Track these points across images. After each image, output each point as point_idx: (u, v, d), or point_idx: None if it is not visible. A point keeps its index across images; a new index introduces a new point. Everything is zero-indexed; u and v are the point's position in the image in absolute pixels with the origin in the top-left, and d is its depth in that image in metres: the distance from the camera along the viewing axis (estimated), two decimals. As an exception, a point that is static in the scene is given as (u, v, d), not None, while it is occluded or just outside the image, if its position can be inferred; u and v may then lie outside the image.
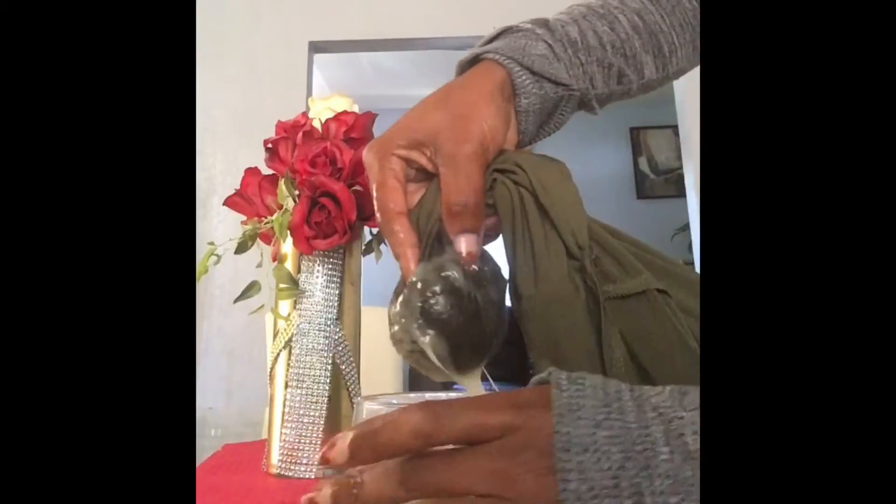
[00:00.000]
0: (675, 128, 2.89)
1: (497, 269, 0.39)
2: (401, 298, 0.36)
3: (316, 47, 2.64)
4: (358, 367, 0.77)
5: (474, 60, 0.47)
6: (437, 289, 0.35)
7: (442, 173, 0.39)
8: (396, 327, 0.36)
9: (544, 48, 0.46)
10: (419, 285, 0.35)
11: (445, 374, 0.36)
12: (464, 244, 0.36)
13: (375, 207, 0.40)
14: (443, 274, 0.35)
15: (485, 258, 0.38)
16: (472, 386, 0.37)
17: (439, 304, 0.34)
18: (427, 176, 0.41)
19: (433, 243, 0.39)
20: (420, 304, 0.35)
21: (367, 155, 0.41)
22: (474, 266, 0.36)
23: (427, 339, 0.34)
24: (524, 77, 0.44)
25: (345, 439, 0.28)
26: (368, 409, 0.33)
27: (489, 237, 0.42)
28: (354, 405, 0.36)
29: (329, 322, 0.74)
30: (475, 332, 0.35)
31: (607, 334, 0.36)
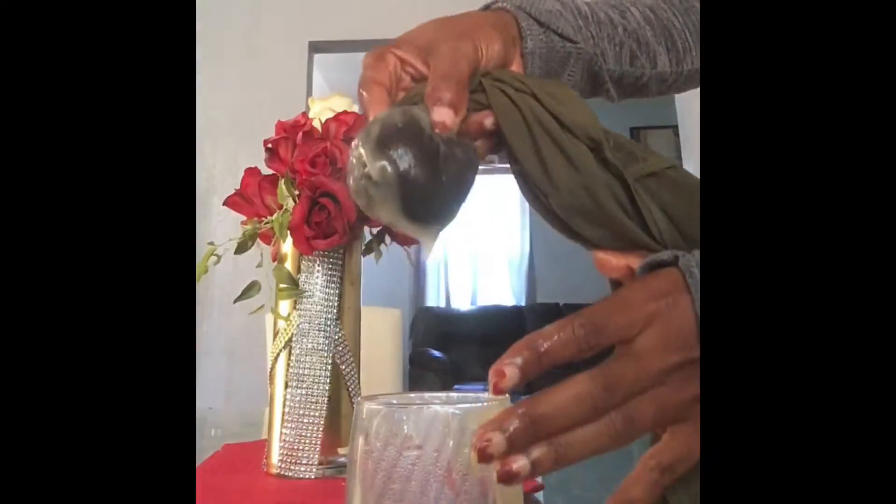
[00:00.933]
0: (675, 128, 2.89)
1: (471, 144, 0.38)
2: (361, 130, 0.36)
3: (316, 47, 2.64)
4: (358, 367, 0.77)
5: (484, 10, 0.47)
6: (399, 123, 0.35)
7: (432, 65, 0.40)
8: (352, 156, 0.35)
9: (553, 3, 0.47)
10: (382, 117, 0.36)
11: (391, 213, 0.36)
12: (438, 113, 0.37)
13: (359, 81, 0.40)
14: (409, 113, 0.35)
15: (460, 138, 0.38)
16: (425, 243, 0.37)
17: (397, 136, 0.34)
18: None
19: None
20: (378, 133, 0.35)
21: (366, 57, 0.42)
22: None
23: (378, 165, 0.34)
24: (531, 23, 0.46)
25: (514, 365, 0.30)
26: (368, 409, 0.33)
27: (483, 139, 0.41)
28: (354, 405, 0.36)
29: (329, 322, 0.74)
30: (429, 178, 0.34)
31: (647, 209, 0.36)
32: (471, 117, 0.39)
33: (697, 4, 0.52)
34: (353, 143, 0.36)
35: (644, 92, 0.52)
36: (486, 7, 0.47)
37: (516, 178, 0.40)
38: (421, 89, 0.39)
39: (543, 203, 0.39)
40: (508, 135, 0.38)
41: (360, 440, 0.33)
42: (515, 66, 0.45)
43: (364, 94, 0.39)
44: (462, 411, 0.32)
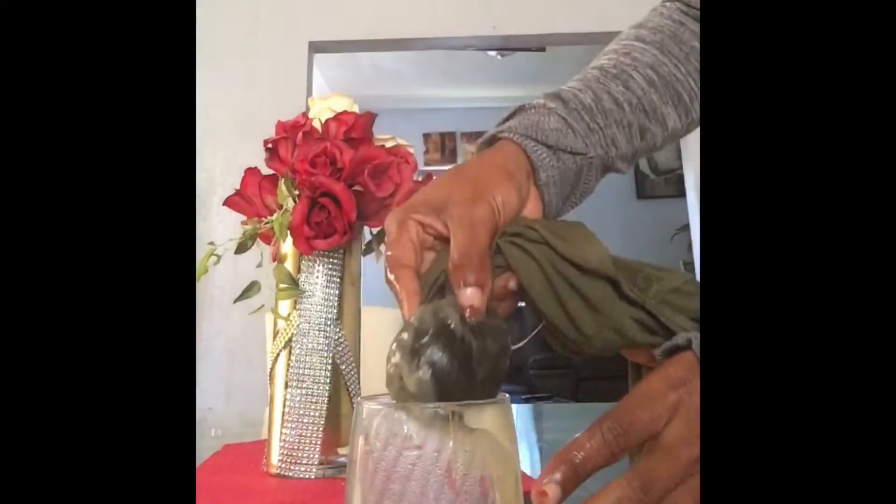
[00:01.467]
0: (674, 128, 2.89)
1: (501, 326, 0.39)
2: (395, 338, 0.36)
3: (316, 47, 2.64)
4: (358, 367, 0.77)
5: (492, 141, 0.47)
6: (430, 328, 0.35)
7: (452, 232, 0.40)
8: (389, 366, 0.36)
9: (557, 121, 0.47)
10: (414, 323, 0.36)
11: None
12: (466, 296, 0.37)
13: (386, 264, 0.41)
14: (439, 315, 0.36)
15: (490, 315, 0.38)
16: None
17: (431, 343, 0.35)
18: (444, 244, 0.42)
19: (436, 292, 0.39)
20: (411, 343, 0.35)
21: (388, 221, 0.42)
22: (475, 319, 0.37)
23: (414, 378, 0.34)
24: (540, 152, 0.45)
25: (554, 483, 0.31)
26: (368, 409, 0.33)
27: (508, 299, 0.42)
28: (354, 405, 0.35)
29: (329, 322, 0.74)
30: (466, 382, 0.35)
31: (674, 324, 0.37)
32: (496, 283, 0.39)
33: (697, 45, 0.52)
34: (390, 350, 0.36)
35: (656, 149, 0.53)
36: (492, 139, 0.47)
37: (545, 332, 0.41)
38: (444, 262, 0.39)
39: (576, 350, 0.40)
40: (532, 293, 0.39)
41: (360, 440, 0.33)
42: (532, 200, 0.45)
43: (395, 283, 0.39)
44: (462, 411, 0.32)
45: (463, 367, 0.35)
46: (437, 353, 0.34)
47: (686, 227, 3.62)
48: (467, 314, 0.36)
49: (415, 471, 0.31)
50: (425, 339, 0.35)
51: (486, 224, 0.40)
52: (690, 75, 0.52)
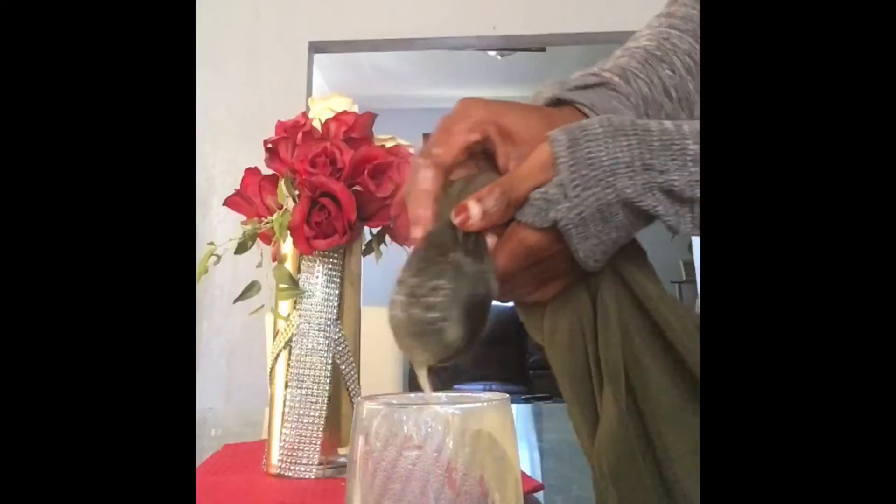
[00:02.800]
0: (674, 128, 2.88)
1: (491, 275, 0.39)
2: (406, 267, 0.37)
3: (316, 47, 2.64)
4: (358, 367, 0.77)
5: (560, 102, 0.45)
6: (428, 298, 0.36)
7: (512, 171, 0.40)
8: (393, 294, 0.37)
9: (616, 100, 0.46)
10: (417, 272, 0.37)
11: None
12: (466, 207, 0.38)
13: (425, 151, 0.40)
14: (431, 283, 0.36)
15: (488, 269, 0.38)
16: (421, 378, 0.38)
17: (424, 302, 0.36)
18: (471, 165, 0.42)
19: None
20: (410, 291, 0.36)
21: (475, 107, 0.41)
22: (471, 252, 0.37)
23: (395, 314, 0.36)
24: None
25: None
26: (368, 409, 0.33)
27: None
28: (354, 405, 0.36)
29: (329, 322, 0.74)
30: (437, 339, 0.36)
31: None
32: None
33: None
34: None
35: None
36: (561, 101, 0.45)
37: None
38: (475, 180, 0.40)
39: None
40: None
41: (360, 440, 0.33)
42: None
43: (415, 196, 0.40)
44: (462, 411, 0.32)
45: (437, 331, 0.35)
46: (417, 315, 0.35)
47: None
48: (462, 223, 0.38)
49: (415, 471, 0.31)
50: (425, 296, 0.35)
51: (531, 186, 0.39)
52: None
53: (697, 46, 0.51)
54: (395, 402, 0.34)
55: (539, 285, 0.41)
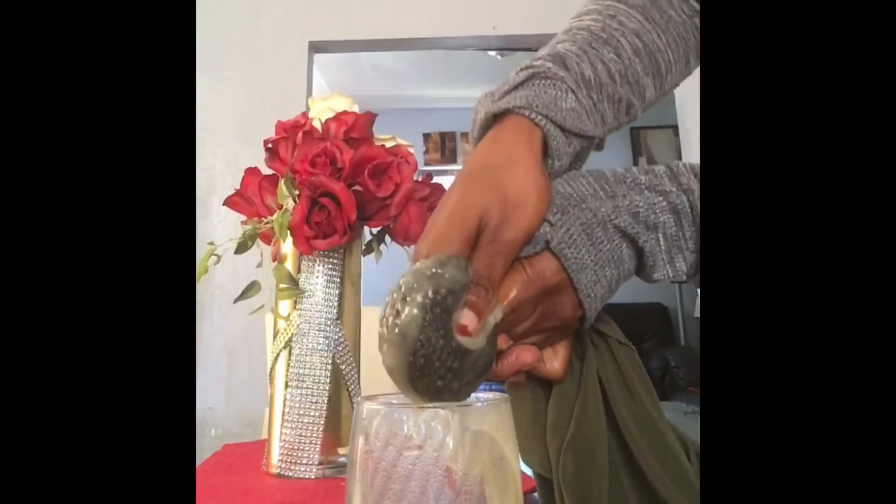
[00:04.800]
0: (675, 128, 2.89)
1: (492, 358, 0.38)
2: (394, 289, 0.36)
3: (316, 47, 2.64)
4: (358, 367, 0.77)
5: (503, 113, 0.44)
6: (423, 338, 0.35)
7: (486, 251, 0.39)
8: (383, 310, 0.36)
9: (573, 101, 0.44)
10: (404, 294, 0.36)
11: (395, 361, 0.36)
12: (466, 317, 0.36)
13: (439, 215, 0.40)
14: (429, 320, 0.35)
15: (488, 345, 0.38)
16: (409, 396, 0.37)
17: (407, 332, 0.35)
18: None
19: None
20: (393, 314, 0.35)
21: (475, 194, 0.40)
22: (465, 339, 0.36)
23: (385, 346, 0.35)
24: (559, 140, 0.43)
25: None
26: (368, 409, 0.33)
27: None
28: (354, 405, 0.35)
29: (329, 322, 0.74)
30: (427, 377, 0.35)
31: None
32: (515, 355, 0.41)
33: (677, 18, 0.50)
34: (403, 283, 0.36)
35: (628, 124, 0.51)
36: (505, 111, 0.44)
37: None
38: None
39: None
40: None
41: (360, 440, 0.33)
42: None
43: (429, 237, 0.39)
44: (462, 411, 0.32)
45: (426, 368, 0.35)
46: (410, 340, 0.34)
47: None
48: (459, 330, 0.36)
49: (415, 471, 0.31)
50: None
51: (516, 250, 0.40)
52: (669, 46, 0.49)
53: (648, 26, 0.49)
54: (395, 402, 0.34)
55: (548, 338, 0.42)
